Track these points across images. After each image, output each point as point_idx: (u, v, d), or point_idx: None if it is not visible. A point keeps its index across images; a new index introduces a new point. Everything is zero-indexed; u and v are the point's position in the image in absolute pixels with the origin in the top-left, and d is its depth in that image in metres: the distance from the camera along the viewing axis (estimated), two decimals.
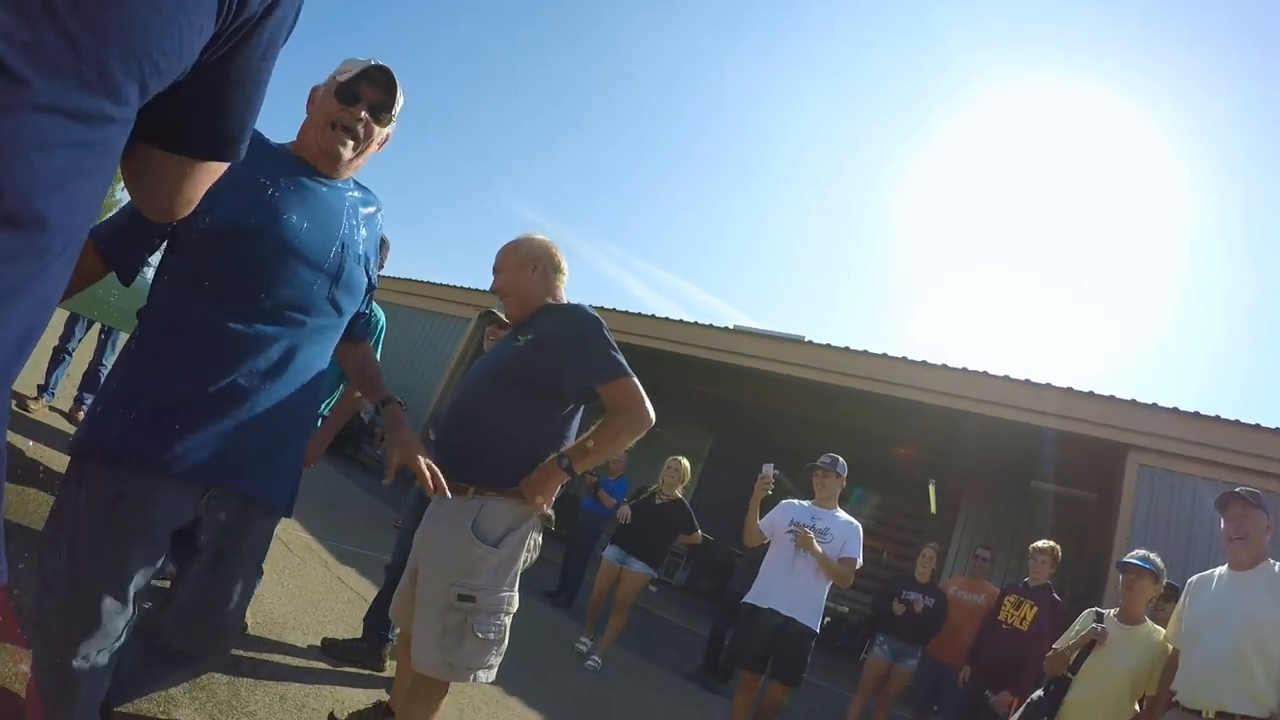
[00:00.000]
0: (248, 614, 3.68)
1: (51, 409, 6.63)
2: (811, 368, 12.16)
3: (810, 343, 12.57)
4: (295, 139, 2.12)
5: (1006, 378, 10.55)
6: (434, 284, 18.54)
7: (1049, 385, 10.20)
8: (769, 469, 5.27)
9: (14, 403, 6.12)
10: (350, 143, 2.05)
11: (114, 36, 0.72)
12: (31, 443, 5.16)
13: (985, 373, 10.72)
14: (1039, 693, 4.38)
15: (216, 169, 1.04)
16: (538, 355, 2.65)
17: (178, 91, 0.87)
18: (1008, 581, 7.17)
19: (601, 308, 15.40)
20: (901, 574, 7.21)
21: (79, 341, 6.76)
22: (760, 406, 15.36)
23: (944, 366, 10.98)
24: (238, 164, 1.56)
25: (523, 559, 2.60)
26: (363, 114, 2.06)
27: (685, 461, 7.55)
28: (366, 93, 2.07)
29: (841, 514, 5.37)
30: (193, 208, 1.10)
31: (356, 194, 2.19)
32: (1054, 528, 10.07)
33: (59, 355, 6.69)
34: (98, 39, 0.71)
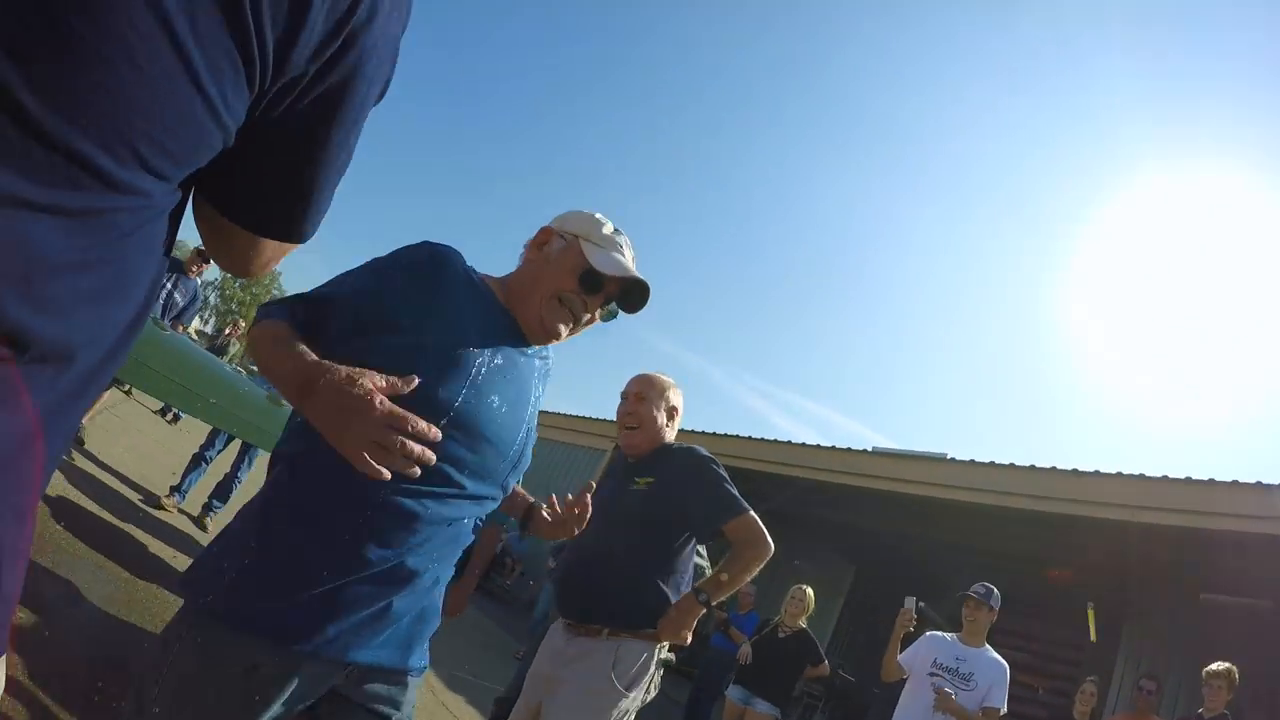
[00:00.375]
0: None
1: (181, 510, 6.90)
2: (955, 487, 11.63)
3: (953, 460, 12.05)
4: (506, 279, 1.89)
5: (1165, 478, 9.69)
6: (566, 415, 18.83)
7: (1212, 481, 9.32)
8: (911, 603, 5.24)
9: (142, 498, 6.64)
10: (571, 324, 1.84)
11: (86, 119, 0.65)
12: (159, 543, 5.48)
13: (1142, 475, 9.90)
14: None
15: (285, 246, 0.96)
16: (663, 499, 2.82)
17: (229, 156, 0.82)
18: (1179, 714, 6.59)
19: (737, 436, 15.54)
20: (1058, 714, 6.77)
21: (219, 452, 7.10)
22: (903, 533, 14.72)
23: (1096, 473, 10.26)
24: (450, 310, 1.66)
25: (644, 699, 2.69)
26: (598, 306, 1.88)
27: (809, 590, 7.38)
28: (611, 289, 1.88)
29: (989, 652, 5.22)
30: (267, 272, 1.04)
31: (544, 357, 1.95)
32: (1229, 645, 9.02)
33: (197, 461, 7.03)
34: (65, 123, 0.64)
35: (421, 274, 1.67)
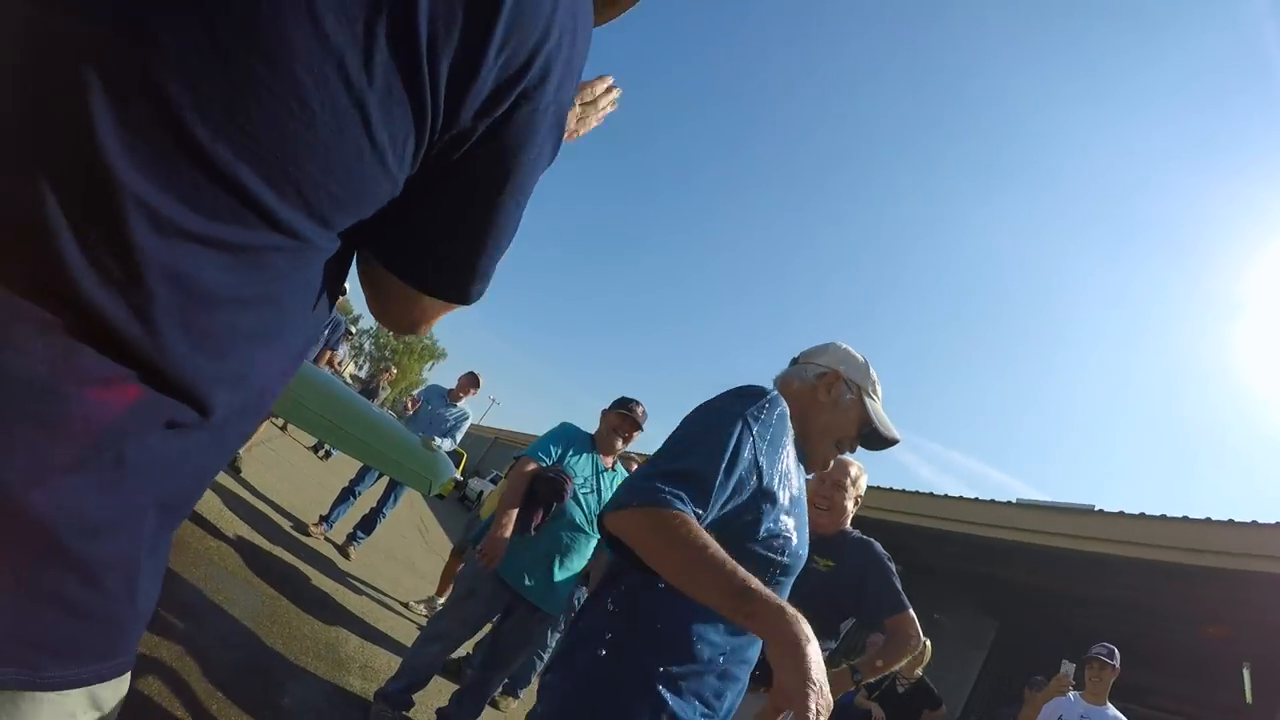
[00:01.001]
0: None
1: (327, 539, 7.30)
2: (1103, 539, 11.18)
3: (1100, 512, 11.59)
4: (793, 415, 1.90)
5: None
6: None
7: None
8: (1069, 668, 5.34)
9: (291, 525, 7.07)
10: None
11: (253, 157, 0.67)
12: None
13: None
14: None
15: (446, 305, 0.95)
16: (842, 584, 3.26)
17: (397, 207, 0.82)
18: None
19: (878, 488, 15.32)
20: None
21: (367, 488, 7.54)
22: (1048, 587, 14.12)
23: (1254, 524, 9.68)
24: (789, 457, 1.76)
25: None
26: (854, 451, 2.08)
27: (928, 643, 7.35)
28: (882, 446, 2.08)
29: (1111, 710, 5.33)
30: (425, 331, 1.02)
31: None
32: None
33: (346, 495, 7.47)
34: (234, 158, 0.66)
35: (771, 425, 1.70)
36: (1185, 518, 10.47)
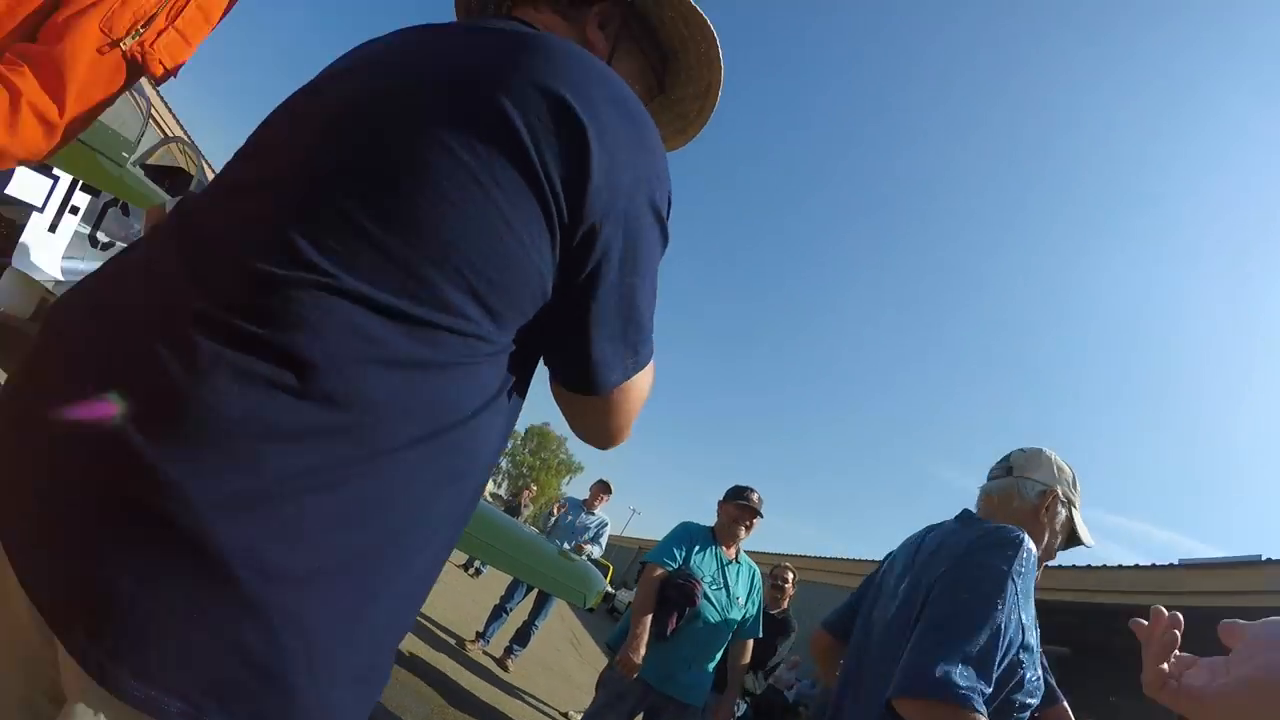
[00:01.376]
0: None
1: (486, 653, 7.55)
2: (1272, 592, 10.35)
3: (1270, 560, 10.82)
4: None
5: None
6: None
7: None
8: None
9: (453, 640, 7.33)
10: None
11: (422, 245, 0.79)
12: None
13: None
14: None
15: (596, 403, 1.00)
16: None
17: (549, 311, 0.91)
18: None
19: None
20: None
21: (517, 603, 7.78)
22: (1225, 649, 13.19)
23: None
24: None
25: None
26: None
27: None
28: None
29: None
30: (618, 441, 1.08)
31: None
32: None
33: (498, 612, 7.71)
34: (407, 246, 0.78)
35: (1028, 576, 1.74)
36: None
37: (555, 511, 8.27)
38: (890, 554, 2.21)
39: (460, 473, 0.85)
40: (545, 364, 0.98)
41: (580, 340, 0.93)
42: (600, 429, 1.05)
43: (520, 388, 0.95)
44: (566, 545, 7.20)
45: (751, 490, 4.49)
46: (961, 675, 1.55)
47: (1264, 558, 11.03)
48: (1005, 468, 2.11)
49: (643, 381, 1.03)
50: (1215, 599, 11.18)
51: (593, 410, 1.01)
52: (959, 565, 1.75)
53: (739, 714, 5.47)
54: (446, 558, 0.91)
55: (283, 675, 0.70)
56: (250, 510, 0.68)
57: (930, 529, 2.11)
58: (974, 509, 2.12)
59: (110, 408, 0.70)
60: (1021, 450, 2.13)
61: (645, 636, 4.05)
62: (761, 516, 4.48)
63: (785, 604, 6.41)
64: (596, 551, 7.83)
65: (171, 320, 0.74)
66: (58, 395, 0.74)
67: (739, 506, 4.43)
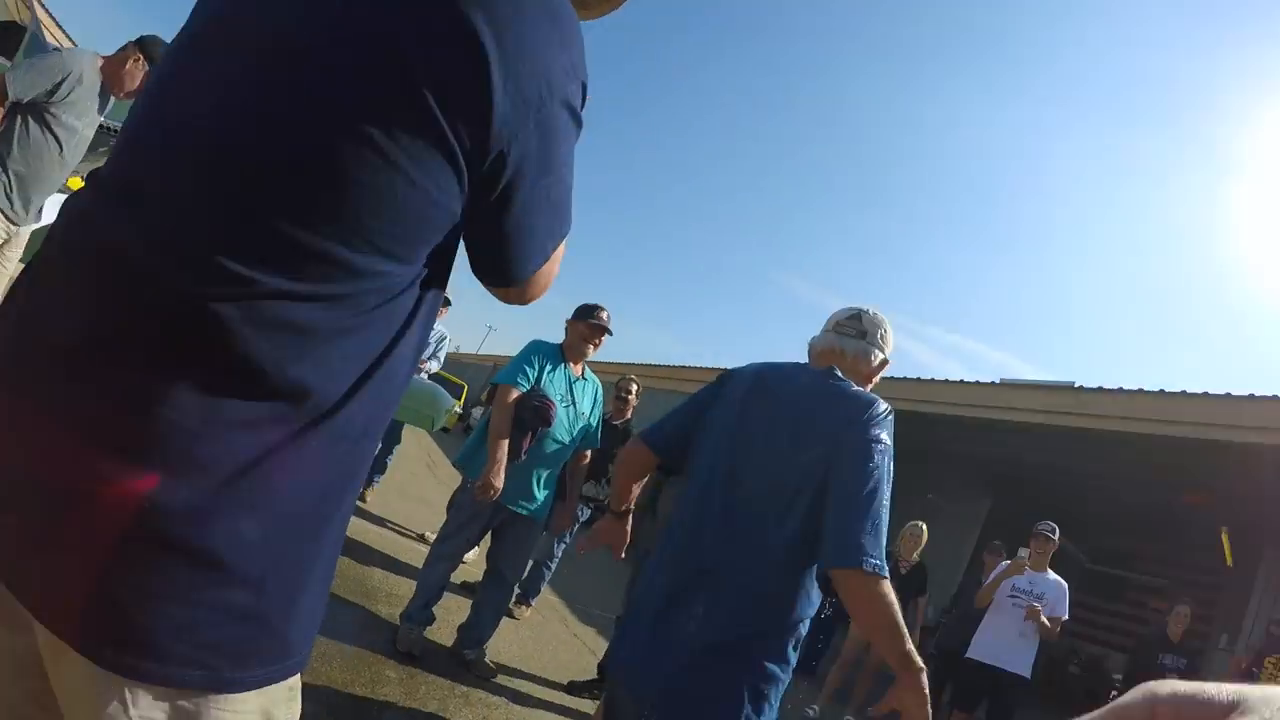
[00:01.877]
0: (489, 656, 4.44)
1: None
2: (1084, 414, 11.45)
3: (1080, 388, 11.89)
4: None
5: None
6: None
7: None
8: (1024, 554, 6.34)
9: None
10: None
11: (335, 232, 0.83)
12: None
13: (1275, 397, 9.53)
14: None
15: (513, 291, 1.13)
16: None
17: (470, 219, 0.99)
18: None
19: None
20: (1155, 633, 6.85)
21: None
22: (1037, 463, 14.62)
23: (1228, 396, 9.93)
24: None
25: None
26: None
27: (924, 526, 7.79)
28: None
29: (1051, 575, 6.36)
30: (535, 300, 1.20)
31: None
32: None
33: None
34: (312, 234, 0.83)
35: None
36: (1161, 392, 10.77)
37: None
38: (727, 384, 2.28)
39: (391, 397, 0.98)
40: (467, 256, 1.07)
41: (498, 246, 1.03)
42: (518, 302, 1.16)
43: (438, 283, 1.02)
44: None
45: (601, 309, 4.56)
46: (877, 549, 1.85)
47: (1076, 384, 12.09)
48: (860, 330, 2.28)
49: (558, 254, 1.13)
50: (1031, 416, 12.27)
51: (514, 295, 1.13)
52: (860, 440, 1.96)
53: (582, 519, 5.80)
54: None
55: (268, 617, 0.86)
56: (222, 495, 0.80)
57: (774, 368, 2.26)
58: (812, 355, 2.33)
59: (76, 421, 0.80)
60: (870, 314, 2.32)
61: (505, 460, 4.15)
62: (610, 334, 4.56)
63: (629, 414, 6.63)
64: (435, 366, 7.83)
65: (108, 340, 0.82)
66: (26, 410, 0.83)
67: (589, 325, 4.51)
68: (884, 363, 2.30)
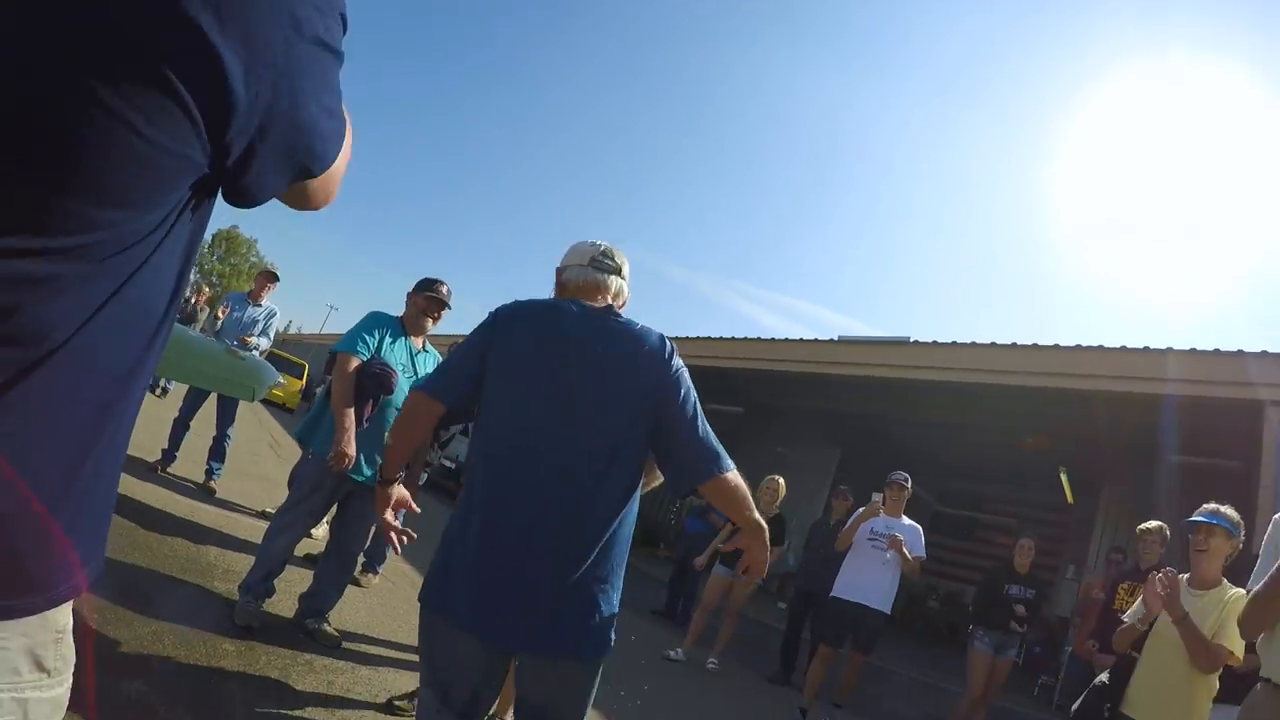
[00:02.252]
0: (334, 626, 4.38)
1: (170, 475, 7.37)
2: (919, 367, 11.92)
3: (915, 343, 12.37)
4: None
5: (1124, 348, 9.92)
6: None
7: (1170, 350, 9.51)
8: (878, 497, 6.67)
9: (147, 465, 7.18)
10: None
11: (63, 184, 0.84)
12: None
13: (1100, 347, 10.13)
14: (1103, 676, 4.02)
15: (305, 191, 1.16)
16: None
17: (234, 168, 0.99)
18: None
19: (711, 338, 15.56)
20: (1002, 566, 7.04)
21: (195, 413, 7.56)
22: (880, 414, 15.13)
23: (1056, 346, 10.49)
24: None
25: None
26: None
27: (780, 480, 8.02)
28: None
29: (907, 520, 6.74)
30: (330, 203, 1.24)
31: None
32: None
33: (179, 427, 7.53)
34: (49, 192, 0.83)
35: None
36: (993, 344, 11.30)
37: (219, 316, 7.88)
38: (502, 325, 2.28)
39: (148, 331, 1.00)
40: (233, 199, 1.07)
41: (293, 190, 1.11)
42: (314, 205, 1.20)
43: (197, 226, 1.04)
44: (234, 343, 6.99)
45: (440, 283, 4.58)
46: (723, 451, 2.21)
47: (911, 339, 12.62)
48: (616, 266, 2.43)
49: (344, 154, 1.16)
50: (869, 369, 12.77)
51: (305, 197, 1.16)
52: (678, 373, 2.20)
53: (421, 484, 5.84)
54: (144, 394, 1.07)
55: (64, 552, 0.93)
56: (17, 443, 0.85)
57: (549, 305, 2.31)
58: (569, 288, 2.42)
59: None
60: (617, 250, 2.48)
61: (353, 428, 4.13)
62: (449, 308, 4.59)
63: None
64: (265, 344, 7.65)
65: None
66: None
67: (427, 299, 4.52)
68: (626, 299, 2.48)
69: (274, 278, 7.95)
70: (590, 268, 2.37)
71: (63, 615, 0.99)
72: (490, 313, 2.33)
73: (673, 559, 10.91)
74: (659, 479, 3.50)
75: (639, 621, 8.66)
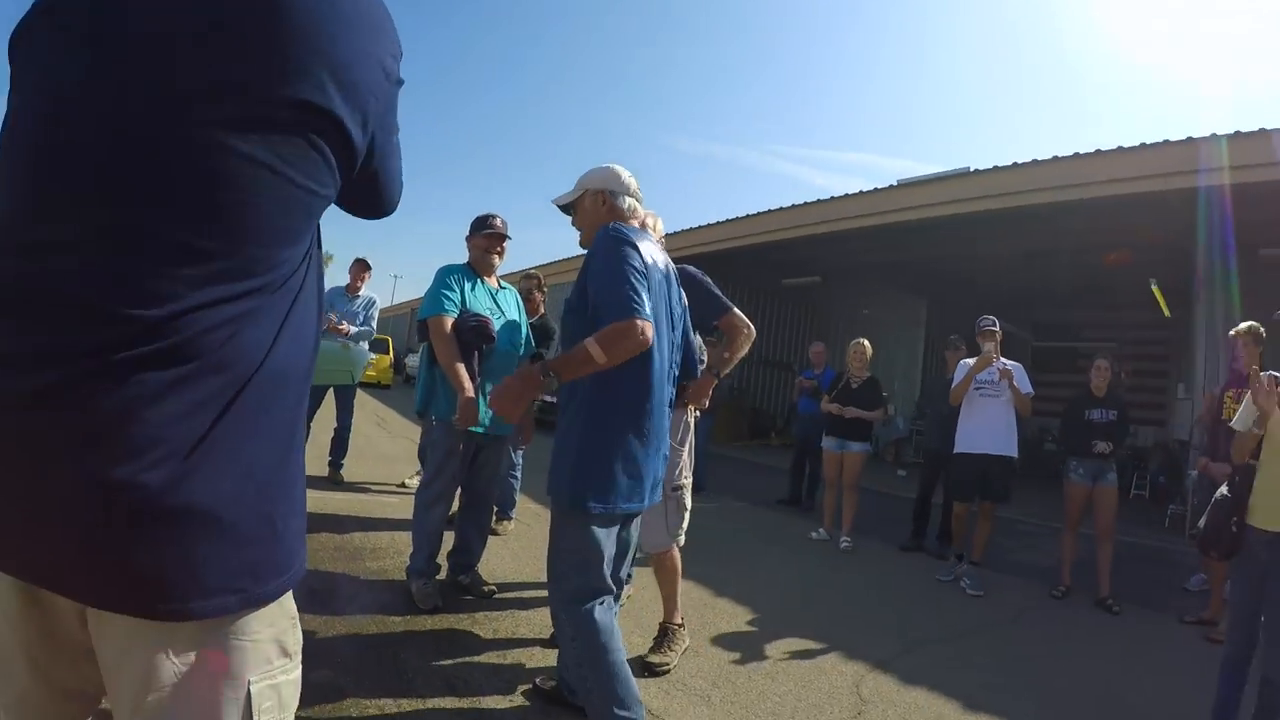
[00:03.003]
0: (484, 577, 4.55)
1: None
2: (985, 197, 11.41)
3: (976, 171, 11.83)
4: None
5: (1189, 139, 9.35)
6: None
7: (1238, 133, 8.93)
8: (989, 348, 6.52)
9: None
10: None
11: (230, 237, 1.00)
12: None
13: (1166, 141, 9.56)
14: (1223, 489, 3.67)
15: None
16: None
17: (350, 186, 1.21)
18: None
19: (769, 211, 14.96)
20: (1081, 392, 6.71)
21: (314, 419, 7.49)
22: (958, 254, 14.68)
23: (1119, 149, 9.91)
24: None
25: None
26: None
27: (866, 342, 7.90)
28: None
29: (1003, 360, 6.59)
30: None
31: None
32: None
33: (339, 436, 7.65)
34: (222, 243, 0.99)
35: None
36: (1055, 157, 10.69)
37: (329, 324, 7.57)
38: (641, 253, 2.77)
39: (303, 348, 1.14)
40: (351, 209, 1.31)
41: (374, 200, 1.31)
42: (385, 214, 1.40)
43: (317, 242, 1.20)
44: (343, 341, 7.20)
45: (494, 216, 4.57)
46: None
47: (971, 169, 12.02)
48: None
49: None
50: (932, 210, 12.31)
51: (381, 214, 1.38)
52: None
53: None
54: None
55: (265, 539, 1.04)
56: (190, 462, 0.96)
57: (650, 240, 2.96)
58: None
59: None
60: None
61: (469, 381, 4.14)
62: (509, 238, 4.57)
63: (541, 309, 6.77)
64: (371, 330, 7.68)
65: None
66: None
67: (486, 237, 4.52)
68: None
69: (367, 266, 7.82)
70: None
71: (291, 601, 1.14)
72: (618, 239, 2.73)
73: (792, 443, 10.90)
74: (744, 349, 3.69)
75: (767, 513, 8.85)
